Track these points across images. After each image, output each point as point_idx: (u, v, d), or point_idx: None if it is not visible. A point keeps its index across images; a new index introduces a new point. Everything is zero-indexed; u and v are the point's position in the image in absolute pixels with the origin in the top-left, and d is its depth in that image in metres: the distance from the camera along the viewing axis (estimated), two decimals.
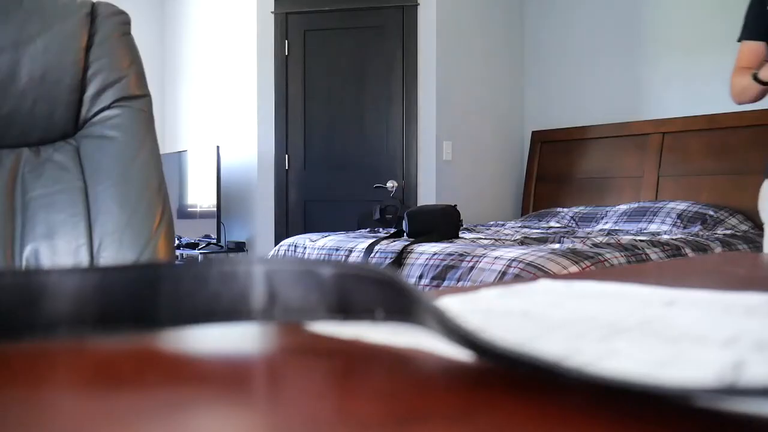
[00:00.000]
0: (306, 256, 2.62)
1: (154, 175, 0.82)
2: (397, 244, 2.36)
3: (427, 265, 2.18)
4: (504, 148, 4.22)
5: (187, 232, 3.94)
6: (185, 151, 4.06)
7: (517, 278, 1.88)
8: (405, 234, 2.58)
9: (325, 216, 3.76)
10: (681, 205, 3.21)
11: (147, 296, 0.27)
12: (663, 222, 3.15)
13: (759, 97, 1.57)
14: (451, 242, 2.38)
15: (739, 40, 1.67)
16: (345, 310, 0.28)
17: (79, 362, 0.24)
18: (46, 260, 0.78)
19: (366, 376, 0.22)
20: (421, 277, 2.17)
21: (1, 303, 0.26)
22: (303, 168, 3.85)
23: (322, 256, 2.59)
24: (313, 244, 2.66)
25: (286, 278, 0.28)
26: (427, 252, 2.24)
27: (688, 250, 2.41)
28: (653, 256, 2.28)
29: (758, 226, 3.12)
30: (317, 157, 3.84)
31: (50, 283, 0.26)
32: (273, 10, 3.81)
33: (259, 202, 3.87)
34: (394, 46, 3.76)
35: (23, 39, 0.80)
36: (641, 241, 2.42)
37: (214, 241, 3.75)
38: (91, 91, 0.83)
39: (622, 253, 2.17)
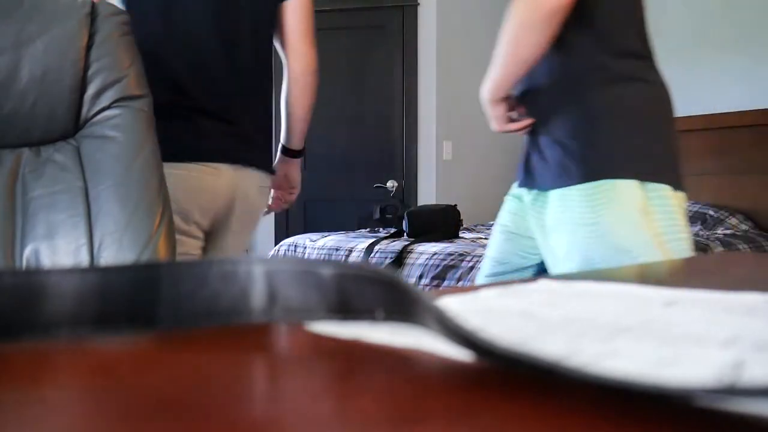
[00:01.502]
0: (306, 256, 2.62)
1: (155, 175, 0.82)
2: (397, 244, 2.36)
3: (427, 265, 2.18)
4: (504, 148, 4.22)
5: None
6: None
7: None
8: (405, 234, 2.58)
9: (325, 216, 3.76)
10: None
11: (147, 296, 0.27)
12: None
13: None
14: (451, 242, 2.38)
15: None
16: (345, 310, 0.28)
17: (79, 362, 0.24)
18: (47, 260, 0.78)
19: (366, 376, 0.22)
20: (421, 277, 2.17)
21: (1, 303, 0.26)
22: (303, 168, 3.84)
23: (322, 256, 2.59)
24: (313, 244, 2.66)
25: (286, 278, 0.28)
26: (427, 252, 2.24)
27: None
28: None
29: (758, 226, 3.13)
30: (317, 157, 3.84)
31: (50, 283, 0.26)
32: None
33: None
34: (394, 46, 3.76)
35: (24, 39, 0.80)
36: None
37: None
38: (91, 91, 0.83)
39: None
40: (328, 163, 3.83)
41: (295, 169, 1.63)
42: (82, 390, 0.21)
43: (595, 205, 1.09)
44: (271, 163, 1.46)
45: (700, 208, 3.16)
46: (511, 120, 1.27)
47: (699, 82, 3.56)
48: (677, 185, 1.11)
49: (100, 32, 0.84)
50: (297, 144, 1.56)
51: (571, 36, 1.12)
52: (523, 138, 1.32)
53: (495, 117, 1.26)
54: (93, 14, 0.84)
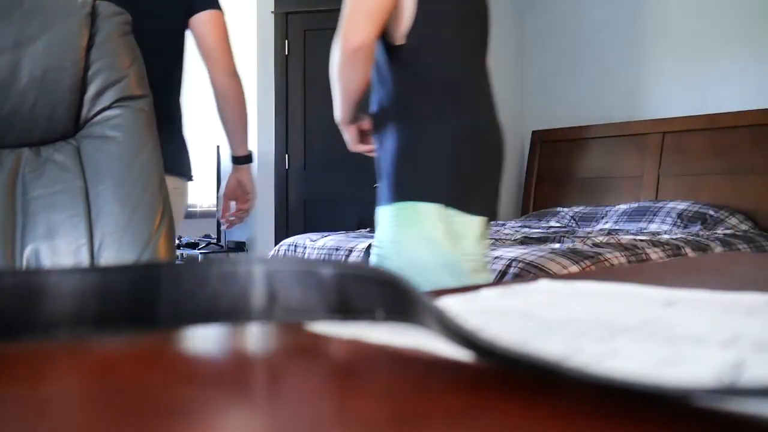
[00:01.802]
0: (306, 256, 2.62)
1: (155, 175, 0.82)
2: None
3: None
4: None
5: (187, 232, 3.94)
6: None
7: (518, 278, 1.88)
8: None
9: (325, 216, 3.76)
10: (681, 205, 3.21)
11: (147, 296, 0.27)
12: (663, 222, 3.15)
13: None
14: None
15: None
16: (345, 310, 0.28)
17: (79, 362, 0.24)
18: (47, 260, 0.78)
19: (366, 376, 0.22)
20: None
21: (2, 303, 0.26)
22: (303, 168, 3.85)
23: (322, 256, 2.59)
24: (313, 244, 2.66)
25: (286, 278, 0.28)
26: None
27: (688, 250, 2.41)
28: (653, 256, 2.28)
29: (758, 225, 3.13)
30: (317, 157, 3.84)
31: (50, 283, 0.26)
32: (273, 10, 3.81)
33: (259, 202, 3.87)
34: None
35: (24, 39, 0.80)
36: (641, 240, 2.42)
37: (214, 241, 3.75)
38: (91, 91, 0.83)
39: (622, 253, 2.17)
40: (328, 163, 3.83)
41: (246, 176, 1.69)
42: (82, 390, 0.21)
43: (398, 224, 1.22)
44: (185, 169, 1.55)
45: (700, 208, 3.15)
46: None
47: (699, 82, 3.56)
48: (479, 211, 1.24)
49: (101, 32, 0.84)
50: (240, 150, 1.65)
51: (394, 69, 1.27)
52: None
53: (347, 138, 1.41)
54: (93, 14, 0.84)
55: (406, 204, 1.22)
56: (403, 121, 1.26)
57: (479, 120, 1.28)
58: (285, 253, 2.74)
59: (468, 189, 1.23)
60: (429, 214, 1.20)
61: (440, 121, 1.23)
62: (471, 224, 1.22)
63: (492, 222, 1.30)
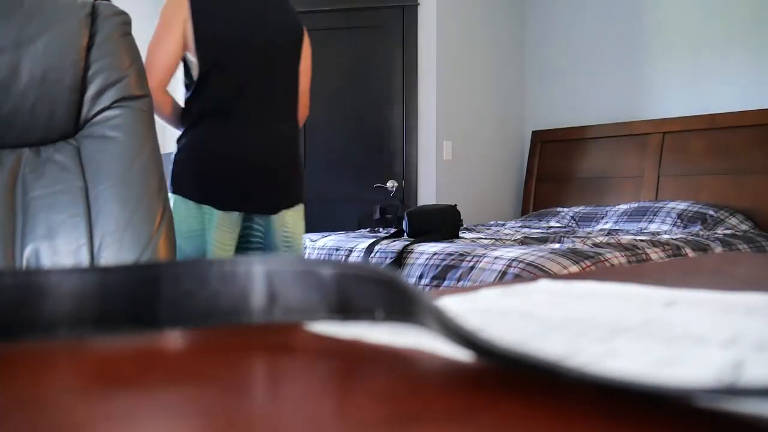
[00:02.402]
0: (306, 256, 2.62)
1: (155, 176, 0.82)
2: (397, 244, 2.36)
3: (427, 265, 2.18)
4: (504, 148, 4.22)
5: None
6: None
7: (517, 278, 1.87)
8: (405, 234, 2.58)
9: (325, 216, 3.76)
10: (681, 205, 3.21)
11: (147, 296, 0.27)
12: (663, 222, 3.15)
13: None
14: (451, 242, 2.38)
15: None
16: (345, 310, 0.28)
17: (79, 362, 0.24)
18: (47, 260, 0.78)
19: (366, 376, 0.22)
20: (421, 277, 2.17)
21: (2, 303, 0.26)
22: (303, 168, 3.85)
23: (322, 256, 2.59)
24: (313, 244, 2.66)
25: (286, 278, 0.28)
26: (427, 252, 2.24)
27: (688, 250, 2.41)
28: (653, 256, 2.28)
29: (758, 225, 3.13)
30: (317, 157, 3.84)
31: (50, 283, 0.26)
32: None
33: None
34: (394, 46, 3.76)
35: (24, 39, 0.80)
36: (641, 240, 2.42)
37: None
38: (91, 91, 0.83)
39: (622, 253, 2.17)
40: (328, 164, 3.83)
41: None
42: (82, 390, 0.21)
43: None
44: None
45: (700, 208, 3.15)
46: None
47: (699, 82, 3.56)
48: (220, 206, 1.71)
49: (101, 32, 0.84)
50: None
51: (188, 91, 1.78)
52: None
53: None
54: (93, 14, 0.84)
55: (171, 194, 1.66)
56: (182, 129, 1.78)
57: (230, 138, 1.74)
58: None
59: (210, 188, 1.71)
60: (177, 204, 1.69)
61: (198, 134, 1.74)
62: (210, 214, 1.70)
63: (258, 214, 1.80)
